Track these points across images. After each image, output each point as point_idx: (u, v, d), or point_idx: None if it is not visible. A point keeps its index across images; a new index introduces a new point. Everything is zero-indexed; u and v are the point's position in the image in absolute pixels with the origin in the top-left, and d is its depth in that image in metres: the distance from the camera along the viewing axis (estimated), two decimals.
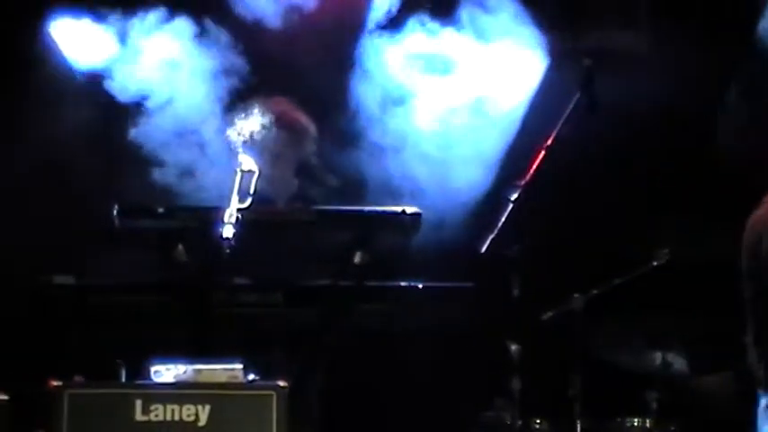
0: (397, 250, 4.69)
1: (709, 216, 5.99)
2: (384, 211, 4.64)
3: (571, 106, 5.74)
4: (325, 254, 4.87)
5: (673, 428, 5.79)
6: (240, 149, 5.35)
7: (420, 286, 4.57)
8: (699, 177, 6.73)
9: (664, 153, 6.83)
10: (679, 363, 5.89)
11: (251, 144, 5.51)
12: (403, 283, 4.59)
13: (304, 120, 5.72)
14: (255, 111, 5.65)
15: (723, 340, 5.85)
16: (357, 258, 4.59)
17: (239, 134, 5.60)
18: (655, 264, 5.86)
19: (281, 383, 4.20)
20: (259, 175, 4.79)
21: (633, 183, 6.79)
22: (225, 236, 4.44)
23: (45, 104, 6.26)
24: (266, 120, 5.63)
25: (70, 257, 4.93)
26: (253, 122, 5.63)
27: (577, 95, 5.77)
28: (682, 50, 6.78)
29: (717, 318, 5.86)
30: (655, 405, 5.74)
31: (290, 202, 5.71)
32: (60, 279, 4.44)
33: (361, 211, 4.69)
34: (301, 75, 6.18)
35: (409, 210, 4.60)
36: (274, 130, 5.62)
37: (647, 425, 5.76)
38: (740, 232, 5.77)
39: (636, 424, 5.81)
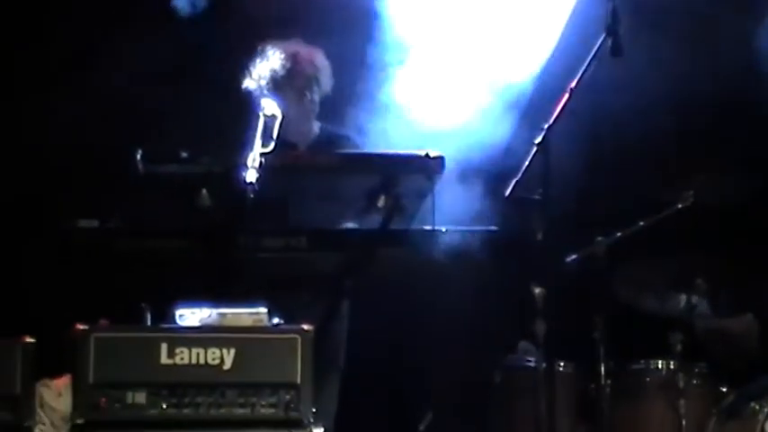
0: (421, 194, 4.67)
1: (732, 158, 5.95)
2: (408, 155, 4.62)
3: (596, 48, 5.70)
4: (349, 198, 4.86)
5: (697, 371, 5.79)
6: (261, 93, 5.35)
7: (444, 230, 4.55)
8: (724, 120, 6.70)
9: (688, 96, 6.78)
10: (703, 305, 5.89)
11: (271, 88, 5.51)
12: (427, 227, 4.58)
13: (321, 60, 5.70)
14: (271, 54, 5.63)
15: (747, 283, 5.85)
16: (381, 202, 4.58)
17: (258, 80, 5.59)
18: (679, 206, 5.85)
19: (306, 327, 4.21)
20: (282, 120, 4.79)
21: (657, 125, 6.76)
22: (248, 180, 4.44)
23: None
24: (283, 62, 5.61)
25: (95, 203, 4.94)
26: (270, 66, 5.62)
27: (603, 37, 5.73)
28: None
29: (741, 260, 5.85)
30: (679, 347, 5.74)
31: (312, 146, 5.72)
32: (85, 223, 4.44)
33: (385, 155, 4.67)
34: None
35: (433, 153, 4.58)
36: (289, 72, 5.60)
37: (672, 367, 5.77)
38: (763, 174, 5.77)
39: (660, 366, 5.82)
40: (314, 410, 4.17)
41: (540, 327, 5.66)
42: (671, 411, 5.66)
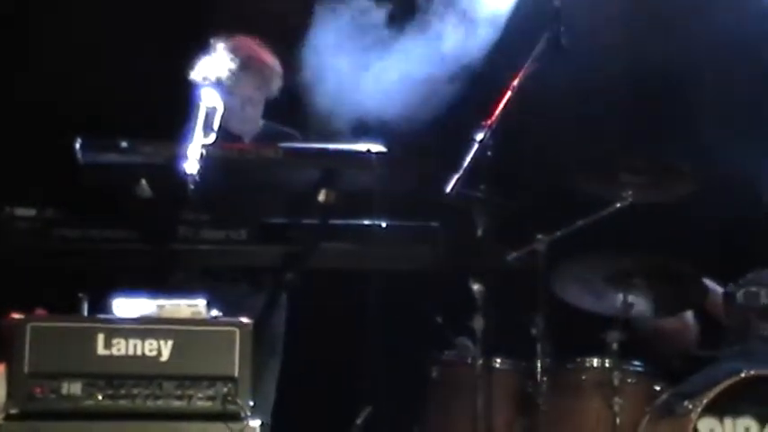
0: (362, 188, 4.68)
1: (672, 157, 6.01)
2: (349, 150, 4.61)
3: (539, 46, 5.74)
4: (290, 191, 4.86)
5: (632, 369, 5.85)
6: (205, 86, 5.32)
7: (384, 225, 4.56)
8: (663, 120, 6.77)
9: (628, 95, 6.85)
10: (641, 304, 5.94)
11: (217, 81, 5.49)
12: (367, 222, 4.59)
13: (271, 62, 5.69)
14: (220, 48, 5.62)
15: (685, 281, 5.91)
16: (321, 196, 4.58)
17: (204, 72, 5.57)
18: (618, 205, 5.89)
19: (245, 320, 4.20)
20: (223, 112, 4.76)
21: (598, 124, 6.82)
22: (189, 172, 4.42)
23: None
24: (231, 58, 5.60)
25: (33, 191, 4.90)
26: (218, 60, 5.60)
27: (545, 35, 5.77)
28: None
29: (678, 259, 5.91)
30: (615, 346, 5.79)
31: (255, 139, 5.71)
32: (22, 212, 4.40)
33: (326, 150, 4.67)
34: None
35: (375, 148, 4.58)
36: (239, 75, 5.59)
37: (608, 365, 5.82)
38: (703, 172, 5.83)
39: (596, 364, 5.87)
40: (252, 403, 4.16)
41: (479, 323, 5.70)
42: (606, 409, 5.71)
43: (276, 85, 5.71)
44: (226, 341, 4.16)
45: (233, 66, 5.59)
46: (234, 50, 5.63)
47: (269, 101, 5.77)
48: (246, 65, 5.62)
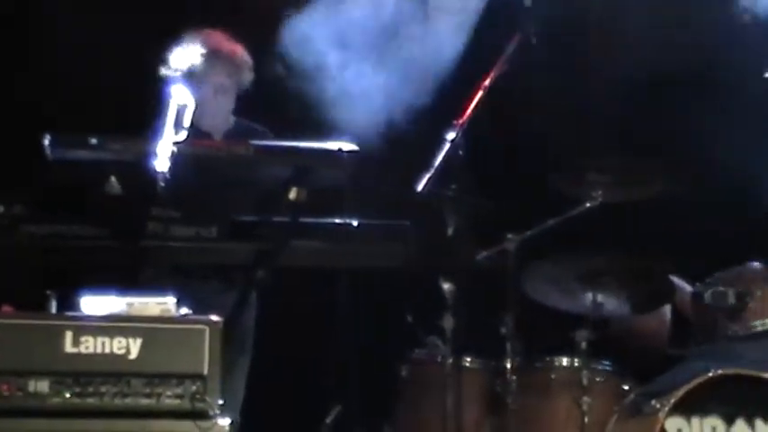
0: (334, 187, 4.67)
1: (642, 156, 6.04)
2: (321, 148, 4.60)
3: (510, 47, 5.76)
4: (261, 189, 4.85)
5: (601, 368, 5.87)
6: (176, 82, 5.30)
7: (355, 223, 4.56)
8: (634, 118, 6.79)
9: (599, 94, 6.88)
10: (611, 303, 5.96)
11: (188, 77, 5.47)
12: (338, 221, 4.58)
13: (241, 54, 5.69)
14: (189, 44, 5.61)
15: (653, 280, 5.94)
16: (292, 194, 4.57)
17: (175, 68, 5.55)
18: (588, 205, 5.92)
19: (214, 318, 4.19)
20: (194, 108, 4.75)
21: (569, 124, 6.84)
22: (159, 169, 4.40)
23: None
24: (201, 52, 5.59)
25: (1, 187, 4.87)
26: (188, 55, 5.59)
27: (517, 36, 5.79)
28: None
29: (649, 258, 5.94)
30: (584, 345, 5.81)
31: (226, 136, 5.70)
32: None
33: (298, 148, 4.65)
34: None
35: (346, 146, 4.57)
36: (210, 62, 5.59)
37: (577, 364, 5.84)
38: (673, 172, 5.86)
39: (565, 363, 5.89)
40: (221, 401, 4.15)
41: (449, 322, 5.71)
42: (574, 408, 5.73)
43: (247, 76, 5.71)
44: (195, 339, 4.14)
45: (203, 54, 5.58)
46: (204, 41, 5.63)
47: (241, 95, 5.76)
48: (217, 53, 5.62)
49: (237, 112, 5.82)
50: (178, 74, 5.54)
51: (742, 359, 5.79)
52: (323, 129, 5.40)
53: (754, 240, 6.20)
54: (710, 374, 5.51)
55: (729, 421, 5.49)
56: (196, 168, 4.57)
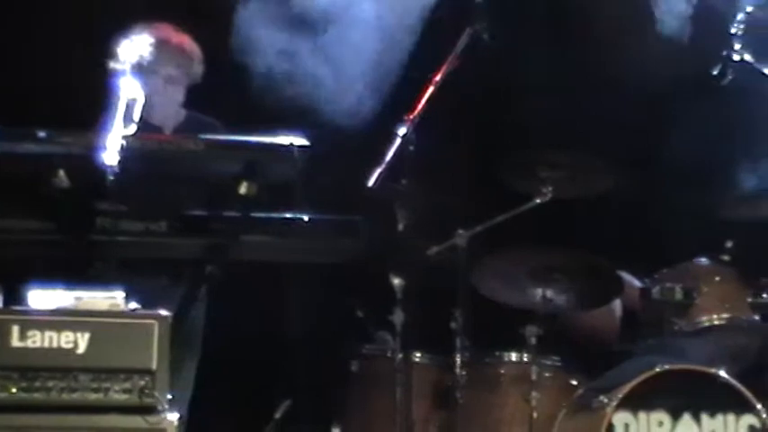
0: (284, 182, 4.67)
1: (592, 153, 6.08)
2: (272, 143, 4.60)
3: (461, 42, 5.78)
4: (211, 183, 4.83)
5: (550, 363, 5.90)
6: (125, 75, 5.28)
7: (305, 218, 4.56)
8: (584, 114, 6.83)
9: (552, 89, 6.91)
10: (560, 299, 5.99)
11: (136, 70, 5.45)
12: (288, 215, 4.58)
13: (189, 45, 5.67)
14: (137, 36, 5.58)
15: (602, 275, 5.98)
16: (243, 189, 4.56)
17: (124, 61, 5.52)
18: (538, 201, 5.95)
19: (163, 313, 4.17)
20: (144, 102, 4.73)
21: (519, 118, 6.86)
22: (108, 163, 4.38)
23: None
24: (150, 43, 5.56)
25: None
26: (137, 48, 5.56)
27: (468, 31, 5.81)
28: None
29: (598, 253, 5.98)
30: (534, 340, 5.85)
31: (177, 130, 5.67)
32: None
33: (249, 142, 4.64)
34: None
35: (297, 141, 4.57)
36: (159, 53, 5.56)
37: (526, 359, 5.87)
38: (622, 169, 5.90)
39: (514, 358, 5.92)
40: (169, 396, 4.13)
41: (399, 317, 5.72)
42: (523, 403, 5.76)
43: (197, 68, 5.69)
44: (144, 334, 4.13)
45: (152, 45, 5.56)
46: (152, 32, 5.60)
47: (192, 88, 5.74)
48: (165, 43, 5.60)
49: (189, 105, 5.79)
50: (127, 66, 5.51)
51: (688, 354, 5.86)
52: (274, 123, 5.38)
53: (702, 237, 6.26)
54: (657, 369, 5.57)
55: (676, 416, 5.55)
56: (145, 162, 4.54)
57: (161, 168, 4.66)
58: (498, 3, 5.88)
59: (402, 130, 5.61)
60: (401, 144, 5.61)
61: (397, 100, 6.03)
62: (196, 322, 5.58)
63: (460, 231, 5.90)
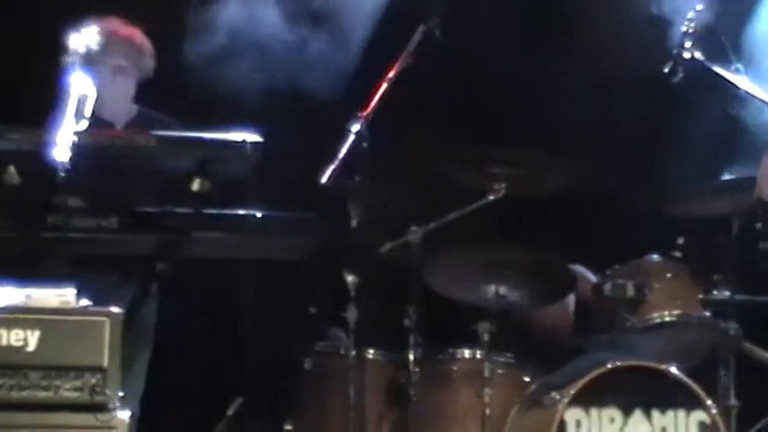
0: (237, 178, 4.65)
1: (544, 150, 6.10)
2: (225, 139, 4.58)
3: (414, 39, 5.78)
4: (163, 180, 4.80)
5: (502, 360, 5.92)
6: (75, 70, 5.24)
7: (259, 215, 4.54)
8: (536, 111, 6.86)
9: (503, 87, 6.93)
10: (513, 295, 6.01)
11: (86, 64, 5.41)
12: (241, 212, 4.56)
13: (140, 38, 5.64)
14: (87, 30, 5.55)
15: (554, 271, 6.01)
16: (195, 185, 4.54)
17: (73, 55, 5.49)
18: (491, 197, 5.96)
19: (115, 310, 4.15)
20: (96, 97, 4.70)
21: (474, 116, 6.88)
22: (59, 159, 4.35)
23: None
24: (98, 35, 5.53)
25: None
26: (86, 42, 5.53)
27: (421, 28, 5.81)
28: None
29: (551, 250, 6.00)
30: (487, 337, 5.86)
31: (128, 126, 5.64)
32: None
33: (202, 138, 4.62)
34: None
35: (250, 137, 4.56)
36: (107, 45, 5.53)
37: (478, 356, 5.88)
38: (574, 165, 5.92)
39: (467, 355, 5.93)
40: (121, 394, 4.11)
41: (353, 314, 5.71)
42: (476, 399, 5.77)
43: (148, 62, 5.67)
44: (95, 331, 4.10)
45: (100, 37, 5.53)
46: (101, 24, 5.58)
47: (144, 83, 5.71)
48: (114, 34, 5.58)
49: (141, 101, 5.76)
50: (77, 59, 5.47)
51: (640, 351, 5.90)
52: (227, 119, 5.37)
53: (654, 234, 6.30)
54: (609, 366, 5.60)
55: (627, 412, 5.59)
56: (97, 158, 4.51)
57: (112, 164, 4.63)
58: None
59: (355, 127, 5.61)
60: (354, 141, 5.60)
61: (350, 97, 6.02)
62: (148, 319, 5.55)
63: (414, 228, 5.90)
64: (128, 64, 5.61)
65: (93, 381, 4.07)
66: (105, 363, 4.08)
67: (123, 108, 5.67)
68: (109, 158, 4.59)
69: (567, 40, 6.80)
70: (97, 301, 4.23)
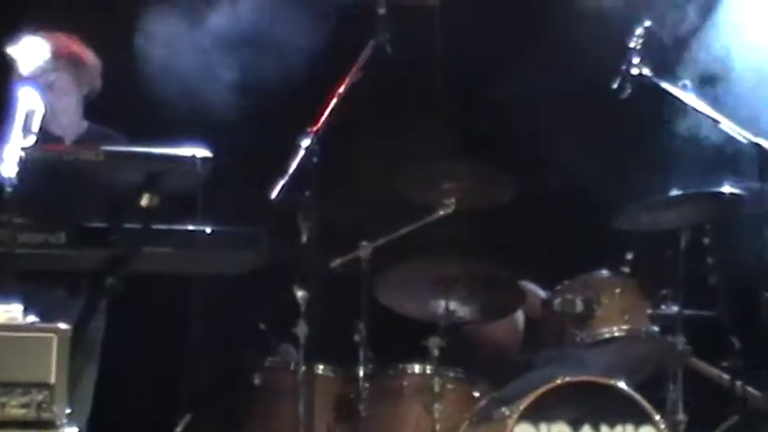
0: (186, 193, 4.63)
1: (495, 165, 6.13)
2: (173, 154, 4.56)
3: (364, 53, 5.79)
4: (112, 195, 4.78)
5: (452, 375, 5.93)
6: (23, 85, 5.20)
7: (208, 230, 4.52)
8: (487, 125, 6.90)
9: (451, 101, 6.96)
10: (462, 310, 6.03)
11: (31, 77, 5.38)
12: (191, 227, 4.54)
13: (86, 54, 5.62)
14: (34, 45, 5.51)
15: (503, 286, 6.03)
16: (144, 201, 4.51)
17: (21, 71, 5.46)
18: (441, 213, 5.98)
19: (62, 326, 4.12)
20: (44, 112, 4.67)
21: (423, 131, 6.90)
22: (6, 174, 4.32)
23: None
24: (44, 47, 5.51)
25: None
26: (32, 56, 5.49)
27: (371, 43, 5.83)
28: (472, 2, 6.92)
29: (501, 265, 6.03)
30: (436, 352, 5.87)
31: (78, 141, 5.61)
32: None
33: (150, 153, 4.60)
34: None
35: (199, 153, 4.54)
36: (55, 61, 5.51)
37: (428, 371, 5.89)
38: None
39: (416, 370, 5.94)
40: (68, 411, 4.08)
41: (302, 329, 5.71)
42: (426, 415, 5.78)
43: (95, 78, 5.65)
44: (42, 347, 4.07)
45: (48, 52, 5.50)
46: (48, 40, 5.55)
47: (93, 99, 5.68)
48: (59, 50, 5.55)
49: (91, 116, 5.74)
50: (23, 75, 5.44)
51: (589, 366, 5.93)
52: (177, 134, 5.35)
53: (602, 248, 6.34)
54: (558, 381, 5.63)
55: (576, 427, 5.61)
56: (45, 174, 4.48)
57: (61, 179, 4.60)
58: (401, 15, 5.91)
59: (305, 142, 5.61)
60: (304, 156, 5.60)
61: (300, 112, 6.01)
62: (96, 335, 5.52)
63: (364, 243, 5.92)
64: (73, 80, 5.59)
65: (40, 397, 4.03)
66: (52, 379, 4.05)
67: (72, 123, 5.65)
68: (57, 174, 4.55)
69: (519, 54, 6.84)
70: (44, 317, 4.20)
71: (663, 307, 6.08)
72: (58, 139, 5.50)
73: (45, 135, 4.93)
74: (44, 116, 4.70)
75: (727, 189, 5.83)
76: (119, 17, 6.19)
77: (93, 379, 5.58)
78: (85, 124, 5.71)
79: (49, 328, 4.11)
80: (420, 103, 6.94)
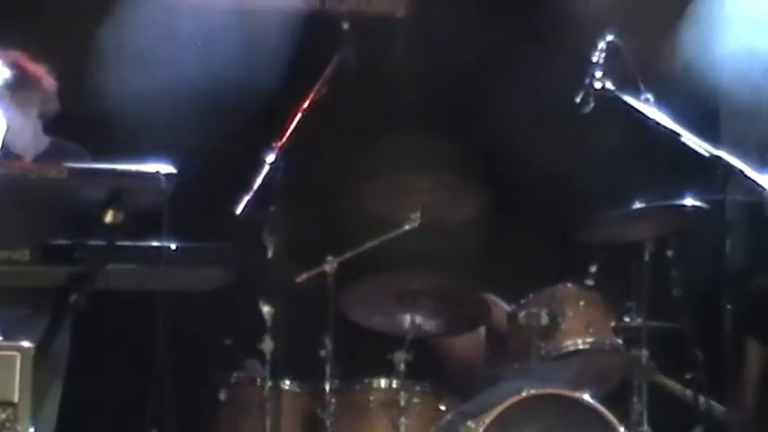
0: (151, 209, 4.62)
1: (460, 178, 6.15)
2: (138, 170, 4.54)
3: (329, 69, 5.81)
4: (76, 211, 4.76)
5: (418, 389, 5.93)
6: None
7: (173, 246, 4.51)
8: (451, 139, 6.91)
9: (418, 116, 6.98)
10: (428, 324, 6.04)
11: None
12: (155, 243, 4.53)
13: (41, 72, 5.59)
14: None
15: (468, 300, 6.05)
16: (108, 217, 4.49)
17: None
18: (406, 227, 5.99)
19: (26, 344, 4.09)
20: (6, 130, 4.65)
21: (389, 145, 6.91)
22: None
23: None
24: (8, 71, 5.48)
25: None
26: None
27: (336, 58, 5.84)
28: (439, 15, 6.94)
29: (466, 279, 6.04)
30: (402, 366, 5.87)
31: (40, 157, 5.59)
32: None
33: (114, 169, 4.58)
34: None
35: (164, 169, 4.53)
36: (13, 80, 5.48)
37: (394, 385, 5.89)
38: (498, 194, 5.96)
39: (383, 385, 5.94)
40: (32, 429, 4.06)
41: (268, 345, 5.70)
42: (392, 429, 5.78)
43: (51, 95, 5.62)
44: (5, 365, 4.04)
45: (5, 72, 5.48)
46: (5, 59, 5.53)
47: (53, 115, 5.66)
48: (16, 68, 5.52)
49: (53, 132, 5.71)
50: None
51: (554, 378, 5.94)
52: (141, 150, 5.34)
53: (567, 261, 6.37)
54: (524, 394, 5.64)
55: None
56: (7, 190, 4.46)
57: (23, 196, 4.58)
58: (365, 29, 5.93)
59: (270, 158, 5.61)
60: (269, 171, 5.60)
61: (264, 127, 6.02)
62: (60, 352, 5.48)
63: (329, 258, 5.92)
64: (30, 97, 5.56)
65: (4, 416, 4.01)
66: (16, 397, 4.02)
67: (33, 140, 5.62)
68: (19, 190, 4.53)
69: (485, 67, 6.87)
70: (8, 334, 4.18)
71: (627, 319, 6.11)
72: (20, 157, 5.47)
73: (7, 152, 4.92)
74: (5, 133, 4.67)
75: (689, 201, 5.86)
76: (81, 32, 6.17)
77: (57, 396, 5.54)
78: (47, 140, 5.68)
79: (12, 346, 4.09)
80: (385, 117, 6.95)
